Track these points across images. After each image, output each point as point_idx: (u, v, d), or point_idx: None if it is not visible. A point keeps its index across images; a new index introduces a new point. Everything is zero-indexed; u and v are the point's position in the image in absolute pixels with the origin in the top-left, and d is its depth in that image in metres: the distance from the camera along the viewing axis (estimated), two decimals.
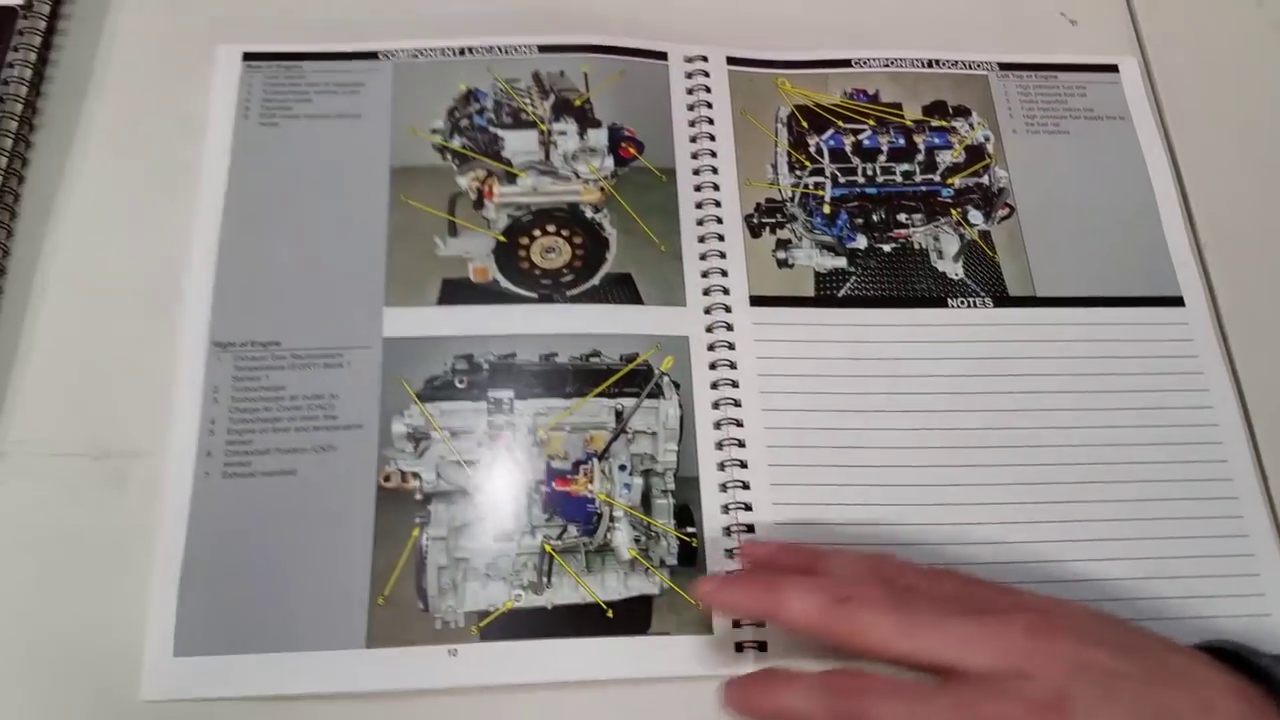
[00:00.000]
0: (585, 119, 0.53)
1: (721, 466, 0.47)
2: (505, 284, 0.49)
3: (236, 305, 0.47)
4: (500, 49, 0.54)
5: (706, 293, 0.50)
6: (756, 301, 0.50)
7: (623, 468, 0.46)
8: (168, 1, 0.53)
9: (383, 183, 0.49)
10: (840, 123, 0.55)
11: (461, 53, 0.54)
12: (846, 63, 0.57)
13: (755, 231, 0.52)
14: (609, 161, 0.52)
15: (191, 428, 0.44)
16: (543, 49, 0.54)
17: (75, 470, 0.43)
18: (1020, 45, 0.59)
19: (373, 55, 0.53)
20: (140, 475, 0.43)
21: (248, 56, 0.52)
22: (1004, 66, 0.58)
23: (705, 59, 0.55)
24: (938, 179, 0.55)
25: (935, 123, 0.57)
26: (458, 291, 0.48)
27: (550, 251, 0.50)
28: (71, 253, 0.47)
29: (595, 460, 0.46)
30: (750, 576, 0.41)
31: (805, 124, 0.55)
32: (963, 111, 0.57)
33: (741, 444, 0.47)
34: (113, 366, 0.45)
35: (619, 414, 0.47)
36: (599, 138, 0.52)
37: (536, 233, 0.51)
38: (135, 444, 0.43)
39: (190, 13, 0.53)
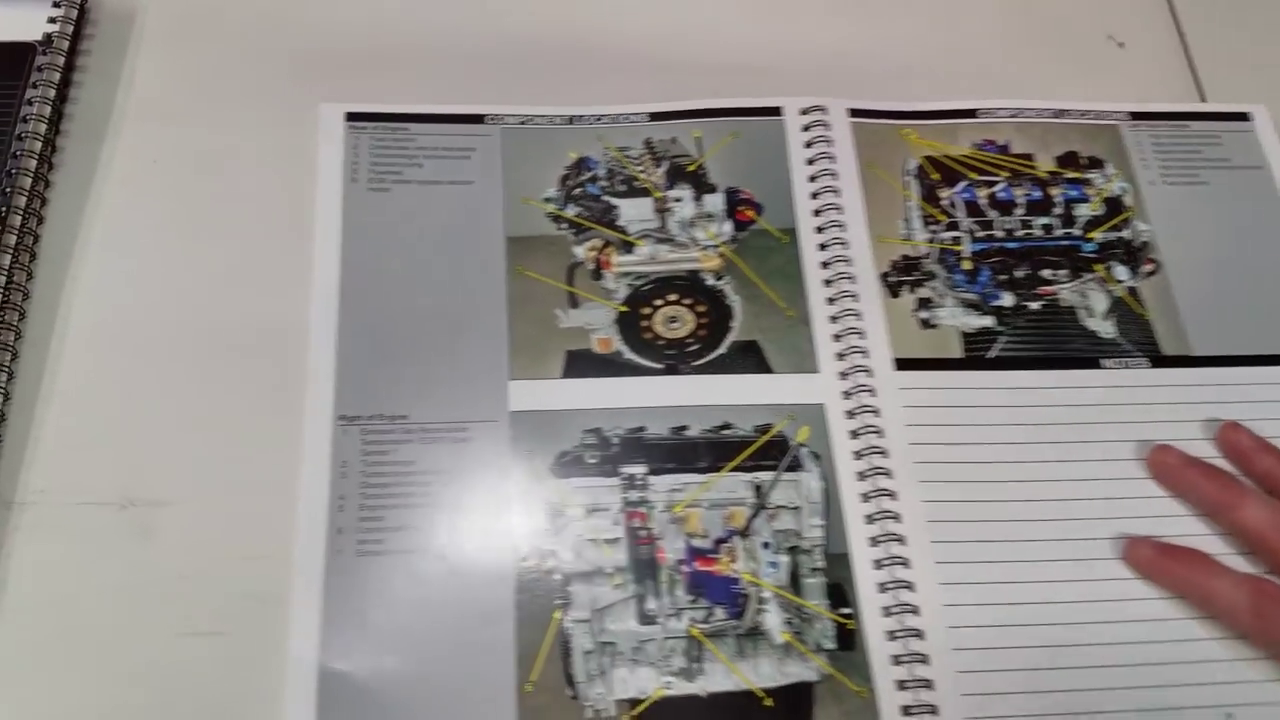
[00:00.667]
0: (700, 184, 0.58)
1: (875, 542, 0.51)
2: (630, 355, 0.54)
3: (361, 376, 0.52)
4: (610, 117, 0.61)
5: (842, 357, 0.55)
6: (902, 365, 0.55)
7: (766, 545, 0.51)
8: (191, 36, 0.59)
9: (499, 252, 0.54)
10: (972, 175, 0.61)
11: (570, 120, 0.60)
12: (972, 113, 0.63)
13: (894, 290, 0.58)
14: (727, 226, 0.58)
15: (321, 504, 0.49)
16: (653, 117, 0.61)
17: (103, 520, 0.46)
18: (1141, 94, 0.65)
19: (478, 119, 0.60)
20: (168, 524, 0.47)
21: (351, 116, 0.58)
22: (1134, 115, 0.64)
23: (823, 110, 0.62)
24: (1078, 233, 0.61)
25: (1069, 174, 0.62)
26: (582, 363, 0.54)
27: (673, 321, 0.56)
28: (92, 297, 0.51)
29: (737, 538, 0.51)
30: (1184, 553, 0.48)
31: (936, 176, 0.61)
32: (1096, 163, 0.63)
33: (896, 517, 0.51)
34: (141, 414, 0.49)
35: (758, 489, 0.52)
36: (715, 202, 0.58)
37: (658, 302, 0.56)
38: (162, 493, 0.47)
39: (213, 47, 0.59)
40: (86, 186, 0.54)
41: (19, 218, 0.52)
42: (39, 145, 0.53)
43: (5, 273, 0.51)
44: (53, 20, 0.57)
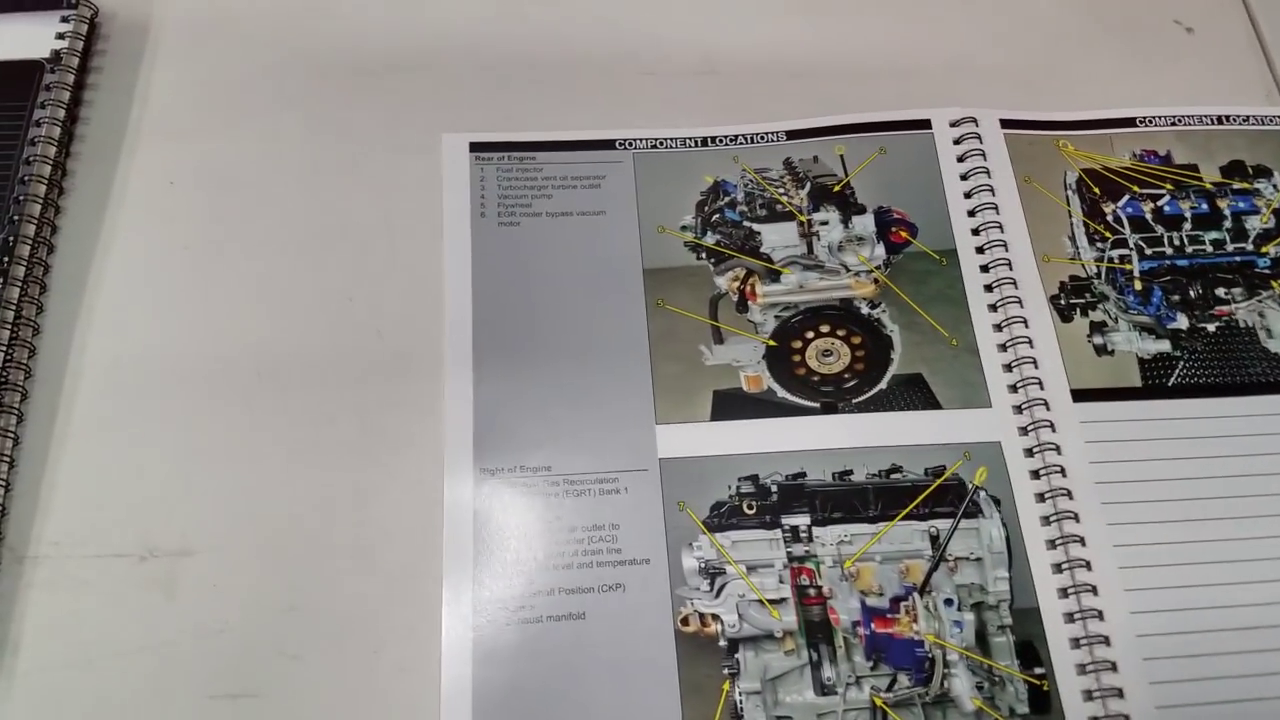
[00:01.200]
0: (847, 205, 0.55)
1: (1065, 593, 0.46)
2: (783, 394, 0.50)
3: (499, 425, 0.48)
4: (745, 137, 0.57)
5: (1015, 389, 0.51)
6: (1079, 396, 0.50)
7: (949, 602, 0.46)
8: (208, 46, 0.56)
9: (637, 286, 0.51)
10: (1135, 188, 0.56)
11: (704, 143, 0.57)
12: (1130, 121, 0.58)
13: (1065, 315, 0.53)
14: (879, 249, 0.54)
15: (465, 563, 0.46)
16: (791, 135, 0.57)
17: (121, 573, 0.44)
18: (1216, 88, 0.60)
19: (609, 144, 0.56)
20: (192, 575, 0.44)
21: (475, 147, 0.55)
22: None
23: (975, 122, 0.57)
24: (1250, 247, 0.55)
25: (1237, 185, 0.57)
26: (732, 404, 0.50)
27: (827, 355, 0.51)
28: (107, 331, 0.49)
29: (916, 595, 0.46)
30: None
31: (1097, 190, 0.56)
32: (1263, 171, 0.58)
33: (1087, 565, 0.47)
34: (160, 457, 0.46)
35: (934, 538, 0.47)
36: (865, 224, 0.54)
37: (809, 334, 0.52)
38: (186, 542, 0.45)
39: (232, 57, 0.56)
40: (100, 211, 0.51)
41: (27, 247, 0.49)
42: (48, 169, 0.49)
43: (13, 306, 0.47)
44: (61, 36, 0.53)
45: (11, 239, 0.49)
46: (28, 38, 0.53)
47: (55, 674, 0.43)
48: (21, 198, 0.50)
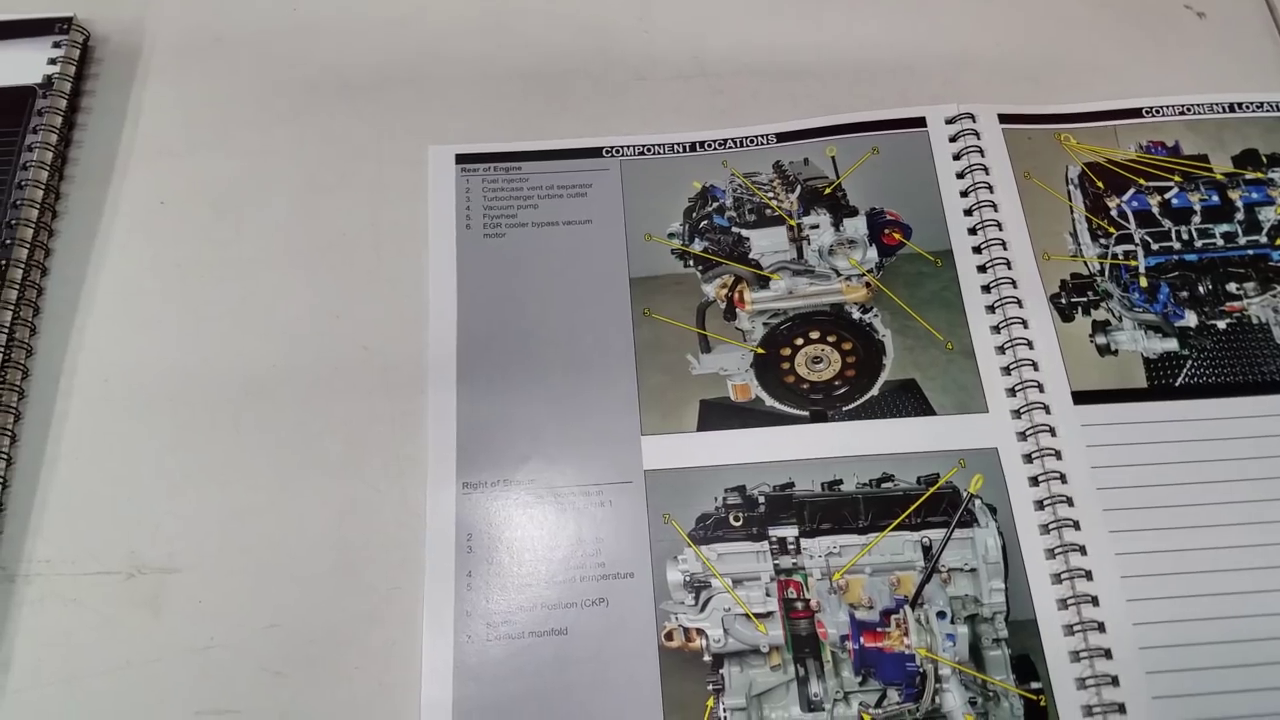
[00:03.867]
0: (839, 207, 0.52)
1: (1064, 604, 0.44)
2: (771, 402, 0.49)
3: (483, 438, 0.47)
4: (735, 141, 0.55)
5: (1013, 392, 0.48)
6: (1080, 398, 0.48)
7: (942, 615, 0.44)
8: (199, 66, 0.55)
9: (623, 295, 0.50)
10: (1141, 180, 0.54)
11: (692, 148, 0.55)
12: (1136, 112, 0.56)
13: (1066, 314, 0.50)
14: (872, 252, 0.52)
15: (447, 579, 0.45)
16: (782, 137, 0.55)
17: (110, 589, 0.44)
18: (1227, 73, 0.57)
19: (598, 152, 0.54)
20: (178, 592, 0.44)
21: (461, 159, 0.54)
22: None
23: (972, 118, 0.55)
24: (1264, 239, 0.53)
25: (1249, 175, 0.54)
26: (719, 414, 0.48)
27: (817, 362, 0.50)
28: (100, 352, 0.48)
29: (907, 607, 0.44)
30: None
31: (1100, 184, 0.54)
32: (1278, 161, 0.55)
33: (1088, 575, 0.44)
34: (151, 476, 0.46)
35: (926, 549, 0.45)
36: (857, 226, 0.52)
37: (799, 341, 0.50)
38: (172, 560, 0.44)
39: (223, 76, 0.55)
40: (92, 232, 0.51)
41: (20, 270, 0.49)
42: (40, 193, 0.49)
43: (6, 330, 0.47)
44: (53, 61, 0.53)
45: (5, 262, 0.49)
46: (21, 63, 0.53)
47: (46, 690, 0.43)
48: (14, 221, 0.50)
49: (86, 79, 0.55)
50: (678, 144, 0.54)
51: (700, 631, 0.43)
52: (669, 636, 0.43)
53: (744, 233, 0.52)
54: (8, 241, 0.49)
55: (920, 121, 0.54)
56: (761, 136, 0.54)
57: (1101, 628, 0.43)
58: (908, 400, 0.48)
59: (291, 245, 0.52)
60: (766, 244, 0.51)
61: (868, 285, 0.50)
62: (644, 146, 0.54)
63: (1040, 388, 0.47)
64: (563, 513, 0.45)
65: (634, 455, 0.46)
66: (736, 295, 0.50)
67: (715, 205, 0.53)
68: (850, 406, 0.48)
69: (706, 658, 0.43)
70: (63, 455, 0.47)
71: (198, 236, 0.52)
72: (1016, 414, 0.47)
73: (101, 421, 0.48)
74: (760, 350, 0.49)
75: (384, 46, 0.57)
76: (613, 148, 0.54)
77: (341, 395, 0.48)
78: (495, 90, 0.56)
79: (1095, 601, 0.43)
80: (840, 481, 0.46)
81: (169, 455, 0.47)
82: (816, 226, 0.51)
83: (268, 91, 0.55)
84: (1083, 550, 0.44)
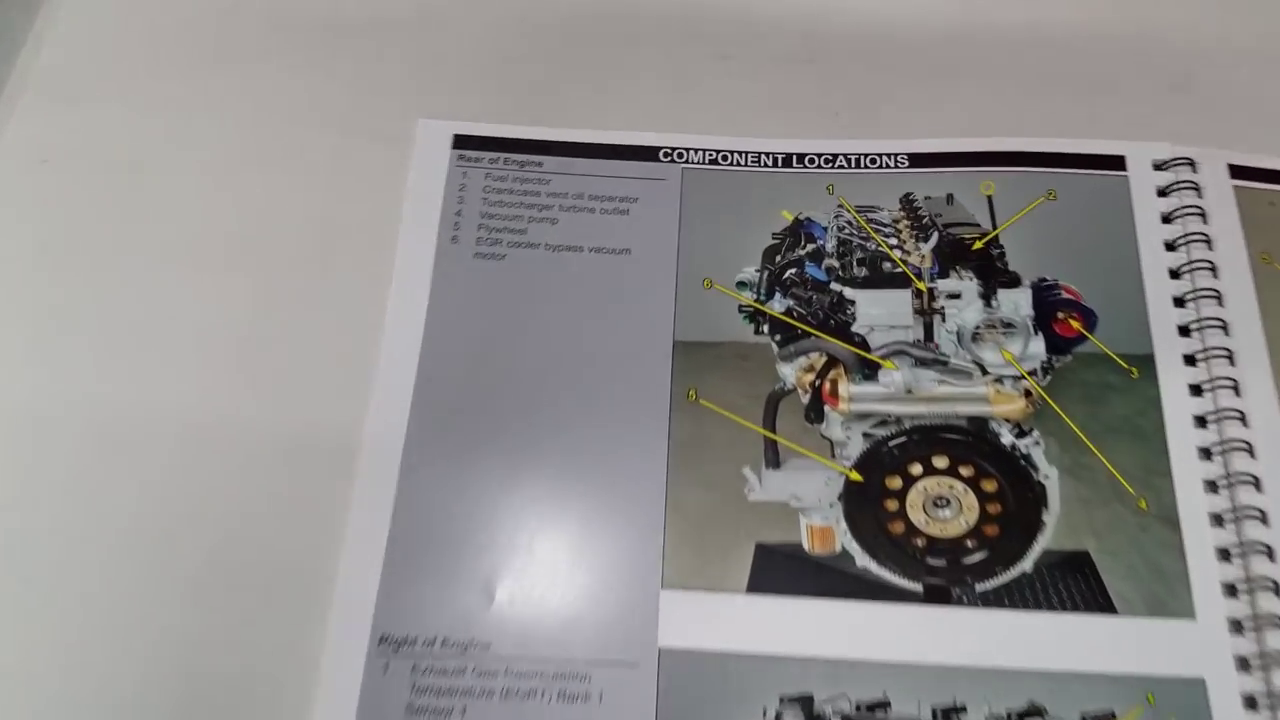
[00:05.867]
0: (993, 271, 0.36)
1: None
2: (865, 562, 0.32)
3: (421, 565, 0.31)
4: (849, 159, 0.38)
5: (1235, 591, 0.31)
6: None
7: None
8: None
9: (662, 366, 0.34)
10: None
11: (787, 162, 0.38)
12: None
13: None
14: (1037, 344, 0.35)
15: None
16: (916, 160, 0.38)
17: None
18: None
19: (653, 154, 0.38)
20: None
21: (459, 142, 0.38)
22: None
23: (1191, 165, 0.37)
24: None
25: None
26: (782, 569, 0.31)
27: (942, 505, 0.33)
28: None
29: None
30: None
31: None
32: None
33: None
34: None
35: None
36: (1018, 303, 0.35)
37: (916, 470, 0.33)
38: None
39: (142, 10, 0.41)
40: None
41: None
42: None
43: None
44: None
45: None
46: None
47: None
48: None
49: None
50: (767, 155, 0.38)
51: None
52: None
53: (848, 292, 0.35)
54: None
55: (1118, 162, 0.38)
56: (889, 156, 0.38)
57: None
58: (1075, 585, 0.32)
59: (207, 236, 0.37)
60: (880, 314, 0.35)
61: (1028, 395, 0.34)
62: (718, 153, 0.38)
63: (1277, 587, 0.29)
64: (523, 706, 0.29)
65: (646, 621, 0.30)
66: (827, 386, 0.33)
67: (811, 248, 0.36)
68: (988, 585, 0.32)
69: None
70: None
71: (85, 212, 0.37)
72: (1238, 627, 0.30)
73: None
74: (856, 476, 0.33)
75: None
76: (674, 150, 0.38)
77: (235, 470, 0.33)
78: (519, 51, 0.40)
79: None
80: (963, 710, 0.29)
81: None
82: (958, 296, 0.35)
83: (200, 25, 0.40)
84: None
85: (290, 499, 0.32)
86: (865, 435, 0.34)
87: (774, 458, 0.33)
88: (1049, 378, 0.35)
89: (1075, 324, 0.35)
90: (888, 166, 0.38)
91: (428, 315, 0.35)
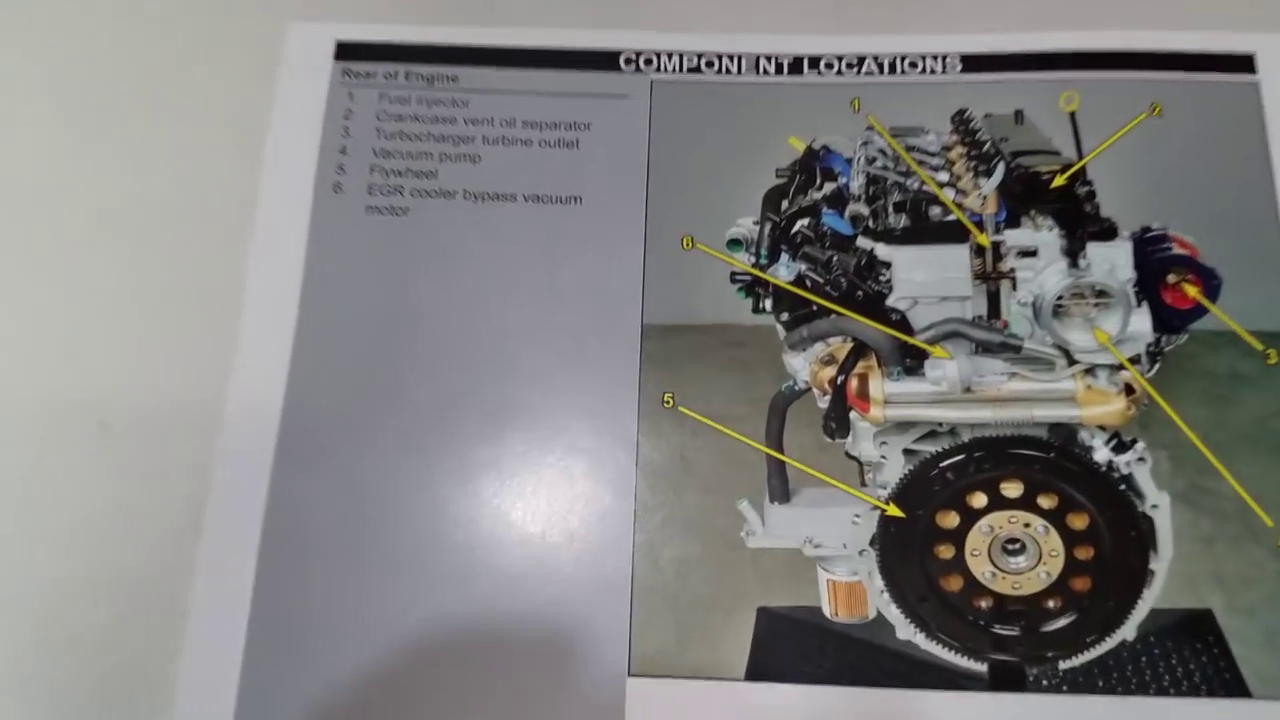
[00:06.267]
0: (1079, 218, 0.27)
1: None
2: (908, 633, 0.25)
3: (292, 626, 0.24)
4: (879, 63, 0.30)
5: None
6: None
7: None
8: None
9: (628, 360, 0.28)
10: None
11: (795, 67, 0.30)
12: None
13: None
14: (1140, 320, 0.26)
15: None
16: (970, 63, 0.30)
17: None
18: None
19: (608, 59, 0.30)
20: None
21: (344, 52, 0.30)
22: None
23: None
24: None
25: None
26: (793, 644, 0.26)
27: (1015, 551, 0.26)
28: None
29: None
30: None
31: None
32: None
33: None
34: None
35: None
36: (1114, 262, 0.26)
37: (978, 501, 0.26)
38: None
39: None
40: None
41: None
42: None
43: None
44: None
45: None
46: None
47: None
48: None
49: None
50: (767, 58, 0.30)
51: None
52: None
53: (882, 250, 0.27)
54: None
55: (1246, 63, 0.31)
56: (935, 58, 0.31)
57: None
58: (1195, 658, 0.26)
59: (23, 176, 0.29)
60: (926, 280, 0.27)
61: (1130, 392, 0.26)
62: (699, 56, 0.31)
63: None
64: None
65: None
66: (854, 384, 0.26)
67: (830, 190, 0.28)
68: (1076, 661, 0.25)
69: None
70: None
71: None
72: None
73: None
74: (896, 511, 0.26)
75: None
76: (640, 54, 0.31)
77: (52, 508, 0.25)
78: None
79: None
80: None
81: None
82: (1033, 254, 0.27)
83: None
84: None
85: (114, 572, 0.24)
86: (907, 453, 0.27)
87: (781, 487, 0.26)
88: (1157, 366, 0.27)
89: (1192, 290, 0.27)
90: (933, 71, 0.31)
91: (302, 292, 0.27)
